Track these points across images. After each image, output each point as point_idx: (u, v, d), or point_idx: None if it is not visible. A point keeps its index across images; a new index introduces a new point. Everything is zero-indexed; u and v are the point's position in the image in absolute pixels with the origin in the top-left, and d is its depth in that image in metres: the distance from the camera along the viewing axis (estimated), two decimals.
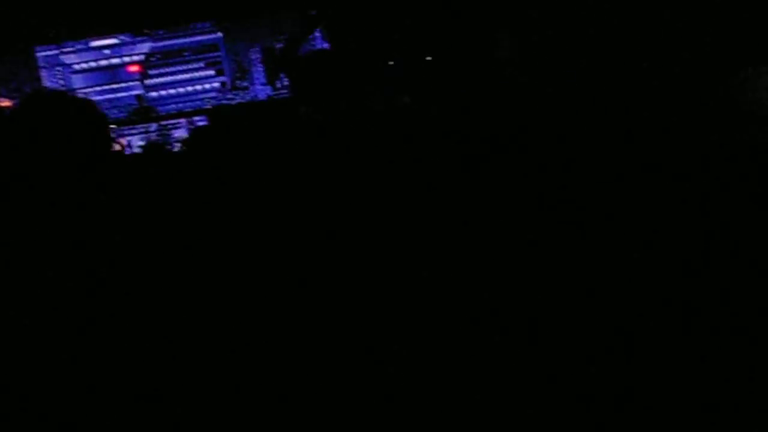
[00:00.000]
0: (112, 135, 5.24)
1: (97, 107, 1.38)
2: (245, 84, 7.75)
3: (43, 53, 7.21)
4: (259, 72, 7.71)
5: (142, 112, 6.77)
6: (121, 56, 7.37)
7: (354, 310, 1.44)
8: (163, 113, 7.34)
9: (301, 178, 1.80)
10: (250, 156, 2.02)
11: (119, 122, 6.77)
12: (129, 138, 6.89)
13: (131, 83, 7.38)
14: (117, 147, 4.56)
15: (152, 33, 7.42)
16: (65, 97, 1.36)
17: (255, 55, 7.63)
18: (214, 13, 7.40)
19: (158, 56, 7.44)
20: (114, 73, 7.39)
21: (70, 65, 7.29)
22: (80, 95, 7.32)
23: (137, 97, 7.05)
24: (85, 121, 1.31)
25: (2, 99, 7.19)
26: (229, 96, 7.78)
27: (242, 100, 7.74)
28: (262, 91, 7.76)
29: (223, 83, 7.70)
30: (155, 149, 3.24)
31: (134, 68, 7.41)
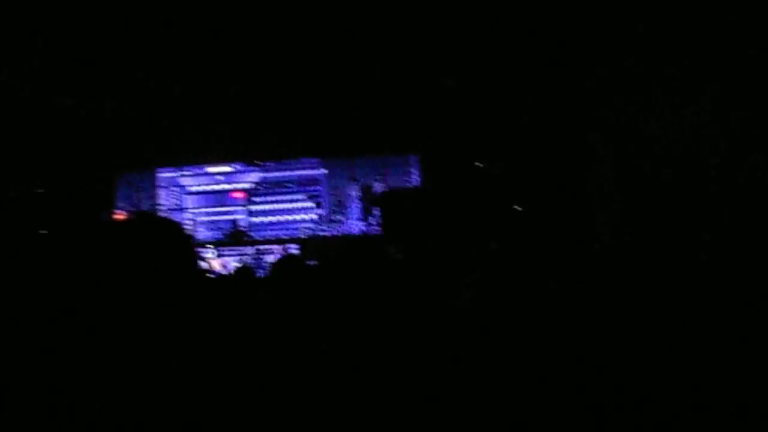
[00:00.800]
0: (208, 255, 5.51)
1: (182, 229, 1.44)
2: (340, 218, 8.06)
3: (163, 174, 7.91)
4: (354, 208, 8.02)
5: (237, 235, 7.12)
6: (231, 183, 7.94)
7: None
8: (260, 238, 7.70)
9: (378, 313, 1.77)
10: (333, 287, 2.01)
11: (218, 243, 7.13)
12: (225, 259, 7.20)
13: (236, 208, 7.87)
14: (215, 266, 4.77)
15: (262, 164, 7.99)
16: (157, 219, 1.45)
17: (353, 191, 7.99)
18: (320, 150, 7.90)
19: (264, 185, 7.96)
20: (222, 198, 7.93)
21: (184, 186, 7.92)
22: (185, 215, 7.88)
23: (233, 221, 7.46)
24: (172, 242, 1.36)
25: (120, 213, 7.85)
26: (324, 228, 8.09)
27: (335, 233, 8.01)
28: (355, 225, 8.03)
29: (320, 215, 8.05)
30: (247, 273, 3.34)
31: (240, 194, 7.94)
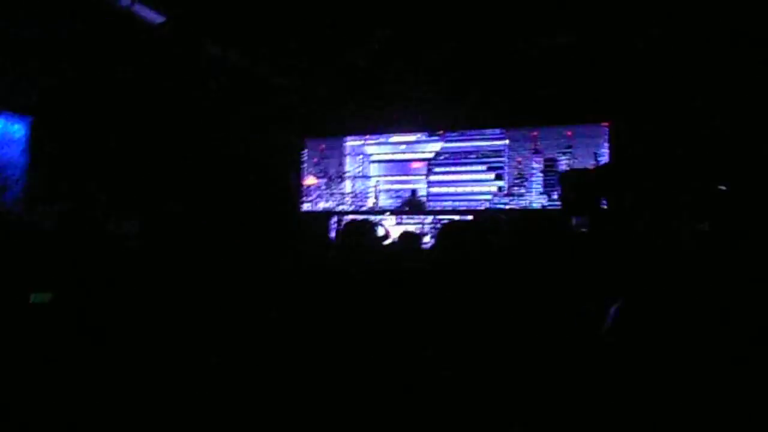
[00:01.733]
0: (386, 222, 5.63)
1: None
2: (522, 191, 7.78)
3: (350, 142, 8.25)
4: (537, 181, 7.69)
5: (416, 205, 7.19)
6: (414, 152, 8.04)
7: None
8: (437, 209, 7.72)
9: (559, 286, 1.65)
10: (507, 259, 1.91)
11: (398, 212, 7.28)
12: (398, 226, 7.34)
13: (416, 177, 7.96)
14: (382, 232, 4.85)
15: (444, 134, 7.96)
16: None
17: (536, 164, 7.65)
18: (504, 121, 7.66)
19: (446, 156, 7.94)
20: (403, 167, 8.07)
21: (369, 155, 8.20)
22: (368, 183, 8.15)
23: (413, 191, 7.53)
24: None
25: (308, 176, 8.37)
26: (504, 200, 7.87)
27: (515, 206, 7.76)
28: (537, 200, 7.70)
29: (500, 188, 7.84)
30: (410, 239, 3.31)
31: (421, 164, 8.01)
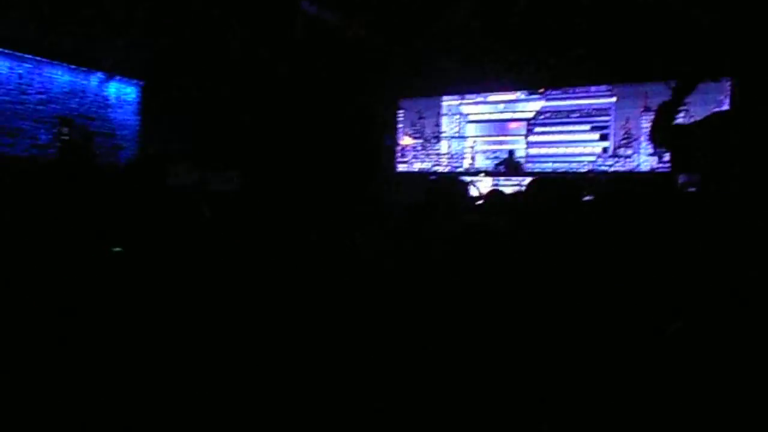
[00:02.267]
0: (480, 182, 5.50)
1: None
2: (629, 152, 7.33)
3: (447, 102, 8.09)
4: (646, 141, 7.21)
5: (513, 165, 6.96)
6: (513, 111, 7.77)
7: None
8: (538, 171, 7.44)
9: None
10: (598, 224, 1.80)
11: (494, 173, 7.09)
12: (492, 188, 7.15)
13: (515, 137, 7.70)
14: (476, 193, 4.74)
15: (545, 92, 7.61)
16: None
17: (647, 123, 7.16)
18: (611, 76, 7.20)
19: (547, 115, 7.60)
20: (502, 127, 7.83)
21: (467, 115, 8.01)
22: (465, 143, 7.99)
23: (510, 151, 7.28)
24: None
25: (405, 137, 8.32)
26: (609, 162, 7.46)
27: (621, 168, 7.33)
28: (645, 162, 7.23)
29: (605, 149, 7.43)
30: (498, 196, 3.16)
31: (520, 124, 7.72)
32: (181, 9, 5.20)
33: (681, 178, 4.51)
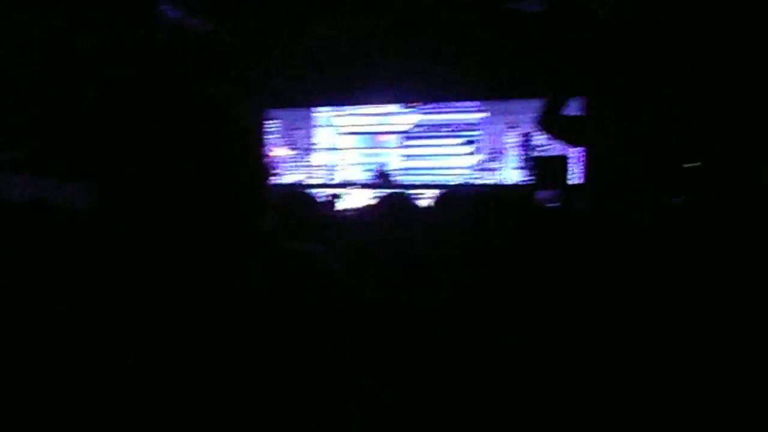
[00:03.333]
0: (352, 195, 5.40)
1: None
2: (497, 166, 7.60)
3: (319, 113, 7.95)
4: (512, 156, 7.51)
5: (385, 178, 6.95)
6: (385, 124, 7.78)
7: None
8: (411, 183, 7.50)
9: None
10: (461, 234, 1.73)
11: (367, 185, 7.03)
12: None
13: (388, 150, 7.72)
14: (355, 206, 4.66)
15: (418, 106, 7.71)
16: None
17: (512, 138, 7.47)
18: (482, 93, 7.43)
19: (418, 128, 7.70)
20: (374, 139, 7.82)
21: (339, 126, 7.92)
22: (338, 155, 7.89)
23: (382, 164, 7.25)
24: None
25: (277, 148, 8.08)
26: (477, 176, 7.70)
27: (488, 181, 7.58)
28: (511, 176, 7.54)
29: (474, 162, 7.65)
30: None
31: (393, 137, 7.76)
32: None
33: (541, 194, 4.69)
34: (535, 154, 7.24)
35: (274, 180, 8.04)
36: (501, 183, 7.54)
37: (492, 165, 7.64)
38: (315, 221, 2.12)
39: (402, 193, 2.29)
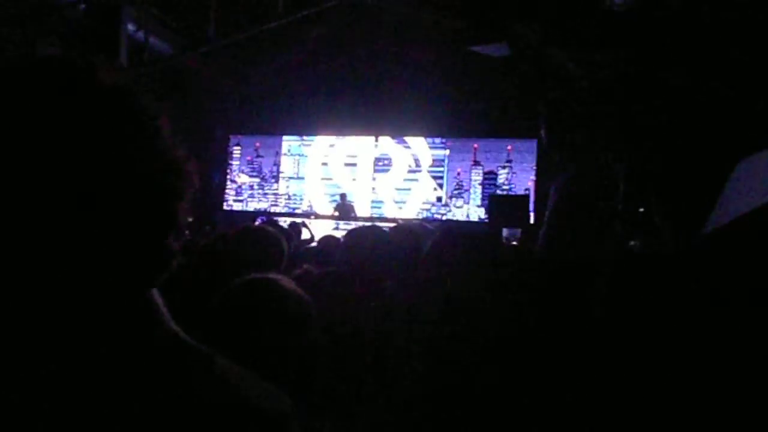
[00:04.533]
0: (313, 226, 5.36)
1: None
2: (460, 202, 7.67)
3: (287, 142, 7.93)
4: (476, 193, 7.60)
5: (347, 209, 6.94)
6: (351, 155, 7.80)
7: None
8: (375, 215, 7.50)
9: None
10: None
11: (330, 216, 7.00)
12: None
13: (353, 182, 7.73)
14: (307, 234, 4.62)
15: (384, 139, 7.77)
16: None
17: (477, 176, 7.56)
18: (445, 130, 7.55)
19: (386, 161, 7.74)
20: (341, 170, 7.82)
21: (305, 156, 7.90)
22: (302, 184, 7.86)
23: (342, 194, 7.24)
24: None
25: (240, 174, 8.01)
26: (441, 210, 7.74)
27: (452, 217, 7.63)
28: (475, 212, 7.61)
29: (438, 197, 7.71)
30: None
31: (361, 169, 7.77)
32: None
33: (505, 232, 4.73)
34: (497, 191, 7.37)
35: (237, 206, 7.96)
36: (465, 219, 7.62)
37: (456, 202, 7.72)
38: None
39: (372, 226, 2.27)
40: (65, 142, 0.46)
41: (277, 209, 7.77)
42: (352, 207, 7.07)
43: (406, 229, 2.19)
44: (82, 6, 4.79)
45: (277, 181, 7.94)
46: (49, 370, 0.48)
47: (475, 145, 7.56)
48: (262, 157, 7.94)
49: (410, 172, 7.78)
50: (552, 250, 2.41)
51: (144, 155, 0.50)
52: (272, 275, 1.06)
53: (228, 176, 7.99)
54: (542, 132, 2.51)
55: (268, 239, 1.87)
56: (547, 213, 2.50)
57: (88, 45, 4.75)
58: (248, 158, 7.98)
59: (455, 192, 7.73)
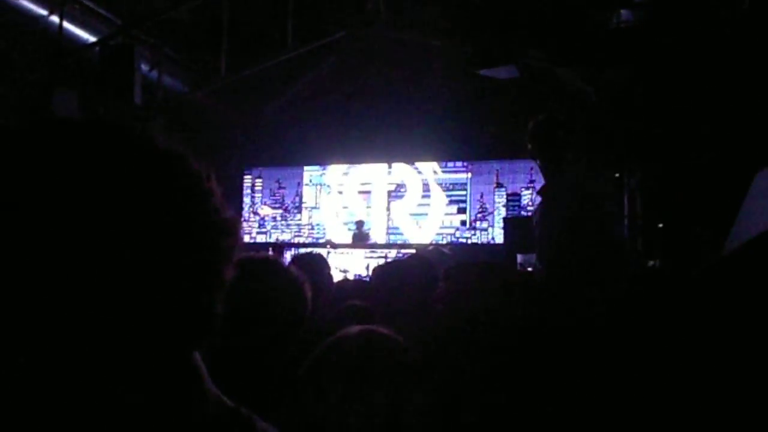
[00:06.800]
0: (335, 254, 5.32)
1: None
2: (485, 225, 7.54)
3: (309, 172, 7.98)
4: (500, 215, 7.47)
5: (364, 237, 6.89)
6: (371, 183, 7.79)
7: None
8: (398, 242, 7.44)
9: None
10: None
11: (352, 245, 6.95)
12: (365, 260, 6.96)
13: (374, 209, 7.70)
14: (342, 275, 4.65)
15: (401, 165, 7.74)
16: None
17: (500, 198, 7.45)
18: (468, 154, 7.48)
19: (405, 188, 7.70)
20: (360, 198, 7.81)
21: (326, 185, 7.92)
22: (323, 213, 7.86)
23: (358, 222, 7.20)
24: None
25: (265, 206, 8.07)
26: (466, 234, 7.63)
27: (478, 241, 7.51)
28: (500, 235, 7.47)
29: (462, 221, 7.61)
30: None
31: (380, 195, 7.75)
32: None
33: (519, 258, 4.61)
34: (521, 213, 7.23)
35: (261, 238, 8.01)
36: (490, 242, 7.48)
37: (480, 225, 7.60)
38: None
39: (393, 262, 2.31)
40: (128, 205, 0.47)
41: (301, 239, 7.78)
42: (368, 234, 7.02)
43: (420, 260, 2.13)
44: (97, 48, 4.95)
45: (300, 212, 7.97)
46: None
47: (497, 168, 7.47)
48: (284, 188, 7.99)
49: (424, 197, 7.72)
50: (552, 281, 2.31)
51: (199, 219, 0.51)
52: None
53: (251, 208, 8.05)
54: (533, 151, 2.44)
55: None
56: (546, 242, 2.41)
57: (104, 86, 4.89)
58: (270, 190, 8.04)
59: (479, 215, 7.62)
